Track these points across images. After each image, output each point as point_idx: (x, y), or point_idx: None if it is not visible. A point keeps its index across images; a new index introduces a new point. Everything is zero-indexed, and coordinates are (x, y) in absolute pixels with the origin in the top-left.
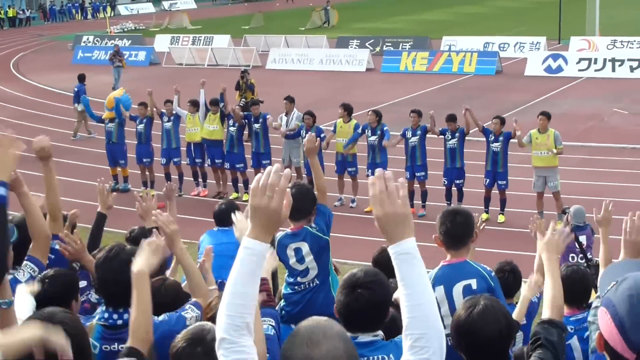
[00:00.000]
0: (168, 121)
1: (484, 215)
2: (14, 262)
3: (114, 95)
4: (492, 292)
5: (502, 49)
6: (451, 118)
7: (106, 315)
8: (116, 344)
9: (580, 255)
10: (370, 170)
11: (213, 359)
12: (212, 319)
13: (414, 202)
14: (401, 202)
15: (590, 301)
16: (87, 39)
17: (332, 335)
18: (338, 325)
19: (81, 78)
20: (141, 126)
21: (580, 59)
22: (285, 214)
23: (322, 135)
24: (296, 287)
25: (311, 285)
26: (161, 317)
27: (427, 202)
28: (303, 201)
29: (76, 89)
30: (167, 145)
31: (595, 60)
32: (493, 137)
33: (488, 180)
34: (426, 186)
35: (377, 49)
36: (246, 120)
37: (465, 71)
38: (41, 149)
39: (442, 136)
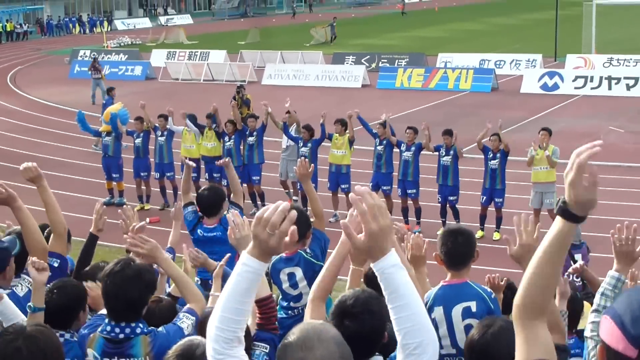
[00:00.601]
0: (161, 136)
1: (479, 233)
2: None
3: (112, 110)
4: (492, 315)
5: (498, 66)
6: (447, 132)
7: (108, 328)
8: (116, 357)
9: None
10: (400, 190)
11: None
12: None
13: (408, 219)
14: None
15: (579, 328)
16: (84, 53)
17: (326, 339)
18: (333, 329)
19: (109, 90)
20: (138, 140)
21: (577, 77)
22: (287, 247)
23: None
24: (289, 311)
25: (303, 311)
26: (159, 329)
27: (422, 219)
28: (297, 225)
29: (104, 102)
30: (160, 160)
31: (592, 78)
32: (491, 155)
33: (485, 197)
34: (420, 203)
35: (373, 65)
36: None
37: (461, 88)
38: (26, 170)
39: (437, 152)
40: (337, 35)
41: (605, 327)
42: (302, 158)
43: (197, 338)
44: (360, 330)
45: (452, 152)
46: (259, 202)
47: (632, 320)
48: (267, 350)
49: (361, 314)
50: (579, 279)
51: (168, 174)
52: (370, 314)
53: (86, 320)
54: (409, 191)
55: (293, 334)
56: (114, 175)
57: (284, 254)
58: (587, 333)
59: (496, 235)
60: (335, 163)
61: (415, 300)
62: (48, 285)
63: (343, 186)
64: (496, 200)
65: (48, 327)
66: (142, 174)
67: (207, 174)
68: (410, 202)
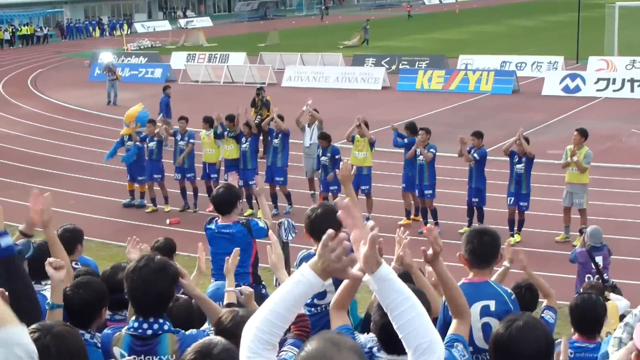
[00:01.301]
0: (181, 140)
1: (512, 239)
2: (33, 278)
3: (134, 112)
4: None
5: (519, 68)
6: (476, 134)
7: (135, 324)
8: (143, 355)
9: (597, 276)
10: (417, 190)
11: None
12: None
13: (428, 220)
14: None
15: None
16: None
17: (346, 348)
18: (351, 339)
19: (165, 89)
20: (152, 143)
21: (599, 79)
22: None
23: (337, 156)
24: (312, 308)
25: (327, 309)
26: (188, 332)
27: (440, 220)
28: (329, 223)
29: (161, 100)
30: (181, 164)
31: (614, 80)
32: (517, 159)
33: (512, 199)
34: (434, 204)
35: (393, 67)
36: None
37: (482, 90)
38: (39, 213)
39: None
40: (368, 40)
41: None
42: (346, 161)
43: (217, 338)
44: None
45: (477, 156)
46: (279, 204)
47: None
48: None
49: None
50: (599, 281)
51: (188, 175)
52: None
53: (104, 319)
54: (426, 192)
55: (310, 344)
56: (138, 178)
57: (312, 250)
58: (609, 348)
59: (517, 237)
60: (356, 164)
61: (417, 302)
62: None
63: (363, 187)
64: (521, 204)
65: (72, 326)
66: (155, 176)
67: (226, 175)
68: (426, 203)
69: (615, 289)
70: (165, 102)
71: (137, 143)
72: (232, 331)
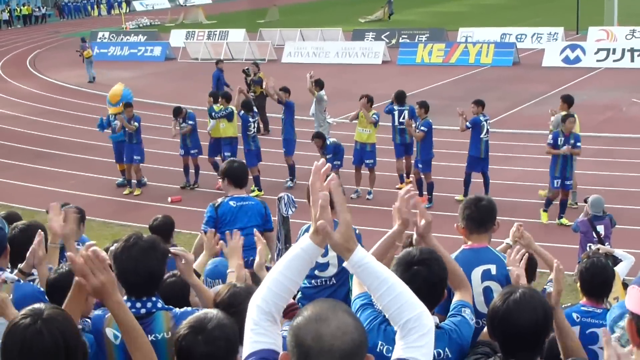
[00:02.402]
0: (183, 122)
1: (562, 221)
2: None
3: (118, 91)
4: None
5: (519, 40)
6: (476, 102)
7: (129, 304)
8: None
9: (598, 244)
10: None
11: (215, 347)
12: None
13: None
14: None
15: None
16: (103, 35)
17: (341, 311)
18: (346, 305)
19: (218, 62)
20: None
21: (599, 49)
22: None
23: (335, 163)
24: (313, 280)
25: (328, 283)
26: (182, 309)
27: (439, 194)
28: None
29: (213, 74)
30: (183, 142)
31: (614, 50)
32: (563, 139)
33: (559, 181)
34: (432, 178)
35: (393, 41)
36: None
37: (482, 63)
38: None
39: (470, 128)
40: (392, 14)
41: (635, 298)
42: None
43: (212, 311)
44: (430, 276)
45: (468, 123)
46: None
47: None
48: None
49: (429, 260)
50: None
51: (192, 151)
52: (437, 261)
53: (92, 307)
54: (419, 166)
55: (306, 309)
56: (135, 158)
57: None
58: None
59: (565, 221)
60: (360, 141)
61: (397, 280)
62: (59, 267)
63: (367, 162)
64: (567, 183)
65: (62, 308)
66: (135, 157)
67: (221, 154)
68: (422, 176)
69: (615, 258)
70: (216, 77)
71: (129, 129)
72: (229, 302)
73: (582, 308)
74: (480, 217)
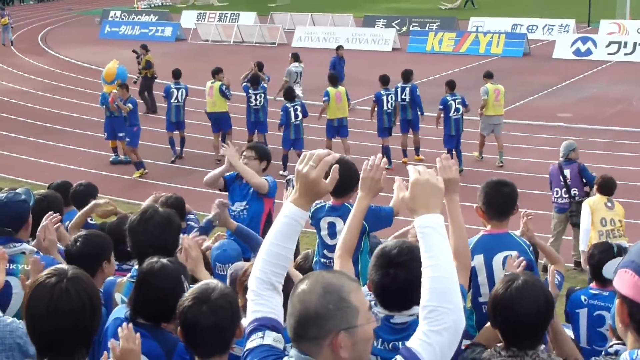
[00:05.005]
0: (175, 99)
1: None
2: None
3: (112, 70)
4: (532, 266)
5: (530, 30)
6: (446, 83)
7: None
8: None
9: (564, 189)
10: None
11: (219, 317)
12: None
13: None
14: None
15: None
16: (115, 14)
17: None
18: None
19: (338, 49)
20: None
21: (610, 42)
22: (328, 188)
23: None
24: (322, 259)
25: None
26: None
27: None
28: (346, 177)
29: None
30: (177, 119)
31: (625, 43)
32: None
33: None
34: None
35: (404, 28)
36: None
37: (493, 52)
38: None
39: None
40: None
41: (624, 281)
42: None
43: (214, 281)
44: (409, 277)
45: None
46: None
47: None
48: None
49: (408, 262)
50: (567, 195)
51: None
52: (416, 261)
53: (112, 273)
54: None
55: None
56: (119, 135)
57: (329, 202)
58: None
59: None
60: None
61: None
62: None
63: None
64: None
65: (105, 275)
66: (119, 135)
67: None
68: (410, 136)
69: (580, 205)
70: (333, 63)
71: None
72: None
73: (590, 291)
74: (501, 203)
